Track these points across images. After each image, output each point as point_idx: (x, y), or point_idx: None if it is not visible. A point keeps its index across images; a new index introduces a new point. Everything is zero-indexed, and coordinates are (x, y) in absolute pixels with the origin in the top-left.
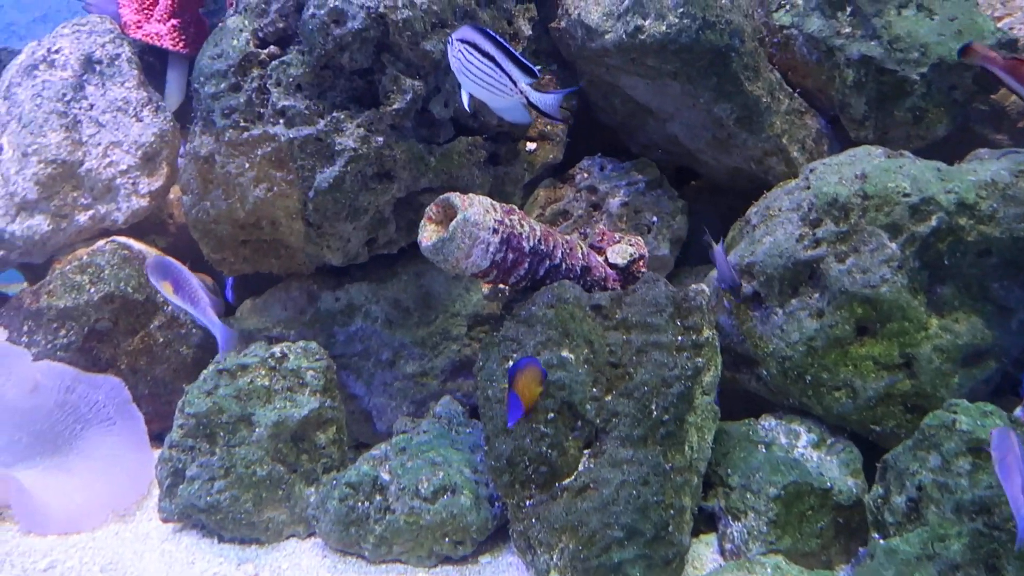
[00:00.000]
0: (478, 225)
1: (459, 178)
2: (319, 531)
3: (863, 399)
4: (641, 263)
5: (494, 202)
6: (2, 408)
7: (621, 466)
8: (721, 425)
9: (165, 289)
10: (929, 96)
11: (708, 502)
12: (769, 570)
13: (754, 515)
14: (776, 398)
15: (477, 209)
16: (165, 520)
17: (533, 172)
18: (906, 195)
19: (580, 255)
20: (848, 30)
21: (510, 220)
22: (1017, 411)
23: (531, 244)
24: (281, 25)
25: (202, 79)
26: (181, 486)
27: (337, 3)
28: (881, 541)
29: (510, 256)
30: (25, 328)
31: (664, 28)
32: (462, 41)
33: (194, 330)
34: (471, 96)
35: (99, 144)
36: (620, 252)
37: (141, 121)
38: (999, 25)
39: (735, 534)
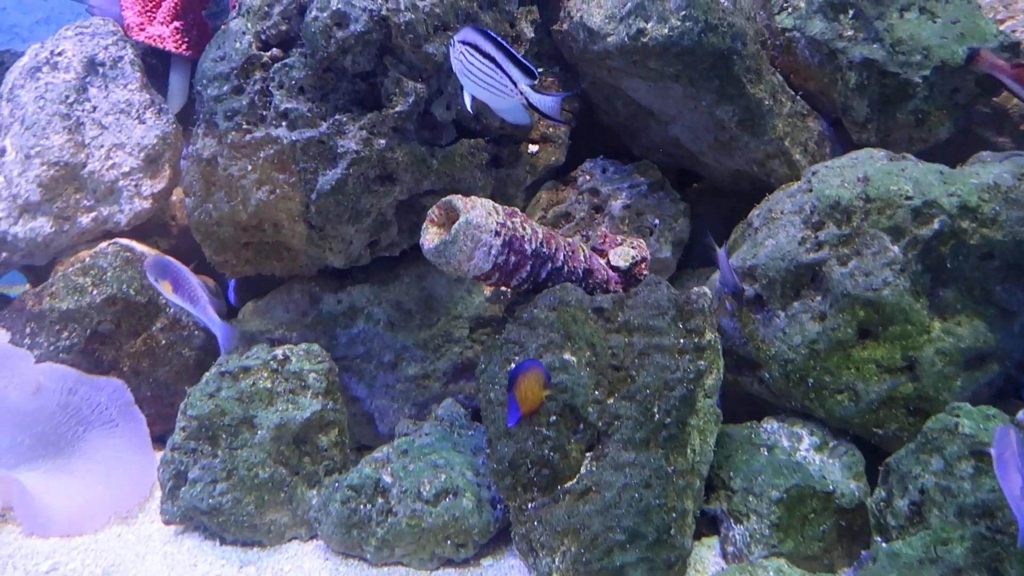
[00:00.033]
0: (480, 228)
1: (461, 180)
2: (321, 534)
3: (865, 402)
4: (643, 266)
5: (496, 204)
6: (4, 410)
7: (623, 469)
8: (723, 428)
9: (164, 288)
10: (931, 99)
11: (710, 505)
12: (771, 573)
13: (756, 518)
14: (778, 401)
15: (479, 212)
16: (167, 522)
17: (535, 174)
18: (908, 198)
19: (582, 258)
20: (850, 33)
21: (512, 223)
22: (1020, 414)
23: (533, 247)
24: (284, 28)
25: (205, 81)
26: (183, 488)
27: (340, 6)
28: (884, 544)
29: (512, 259)
30: (27, 330)
31: (666, 31)
32: (463, 43)
33: (196, 332)
34: (473, 97)
35: (102, 146)
36: (622, 255)
37: (144, 123)
38: (1001, 28)
39: (737, 537)
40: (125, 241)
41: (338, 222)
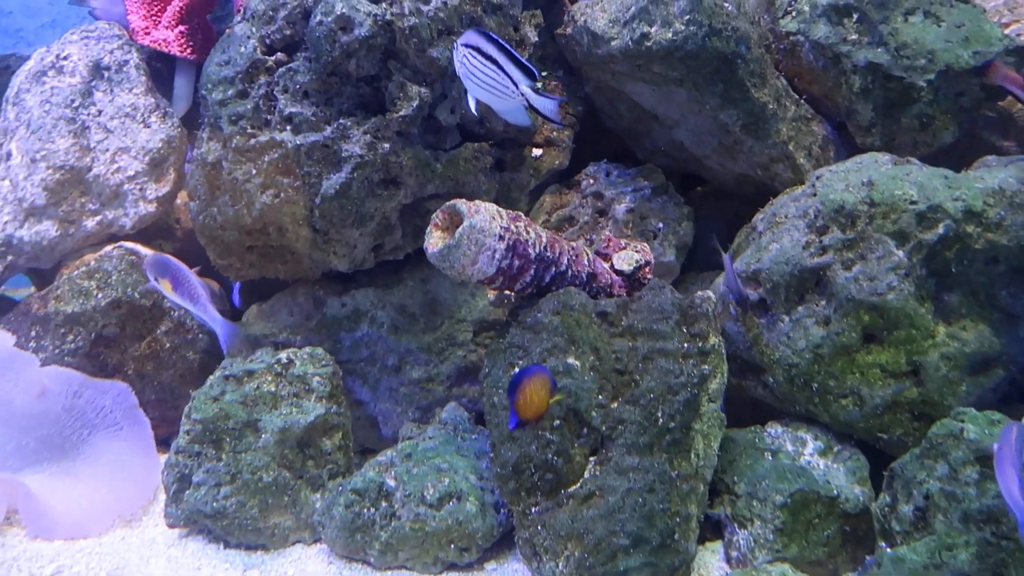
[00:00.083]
0: (484, 232)
1: (465, 184)
2: (325, 537)
3: (870, 407)
4: (647, 269)
5: (500, 209)
6: (10, 413)
7: (627, 473)
8: (727, 432)
9: (164, 287)
10: (936, 103)
11: (714, 509)
12: None
13: (760, 523)
14: (782, 405)
15: (483, 216)
16: (171, 526)
17: (539, 178)
18: (913, 202)
19: (586, 262)
20: (855, 37)
21: (516, 227)
22: None
23: (537, 251)
24: (288, 32)
25: (209, 85)
26: (187, 492)
27: (344, 10)
28: (888, 550)
29: (516, 263)
30: (33, 333)
31: (670, 35)
32: (466, 46)
33: (201, 336)
34: (477, 100)
35: (107, 150)
36: (626, 258)
37: (149, 127)
38: (1006, 31)
39: (741, 542)
40: (130, 245)
41: (342, 226)
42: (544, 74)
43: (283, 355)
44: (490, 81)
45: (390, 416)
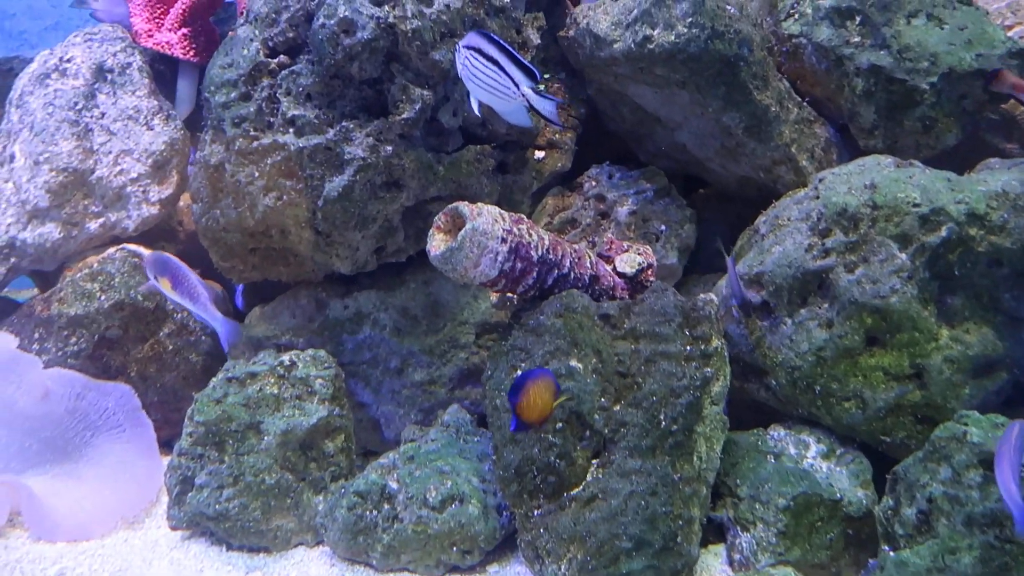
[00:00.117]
0: (486, 234)
1: (468, 187)
2: (327, 540)
3: (873, 410)
4: (649, 272)
5: (502, 211)
6: (13, 415)
7: (629, 476)
8: (730, 435)
9: (163, 285)
10: (939, 105)
11: (717, 512)
12: None
13: (763, 526)
14: (785, 408)
15: (486, 218)
16: (174, 528)
17: (541, 180)
18: (916, 205)
19: (588, 264)
20: (857, 39)
21: (518, 229)
22: None
23: (539, 253)
24: (291, 35)
25: (212, 88)
26: (190, 494)
27: (347, 13)
28: (891, 553)
29: (518, 265)
30: (36, 335)
31: (673, 38)
32: (468, 47)
33: (203, 338)
34: (480, 102)
35: (110, 152)
36: (628, 261)
37: (152, 129)
38: (1009, 34)
39: (744, 545)
40: (133, 247)
41: (345, 228)
42: (546, 76)
43: (286, 357)
44: (491, 82)
45: (392, 418)
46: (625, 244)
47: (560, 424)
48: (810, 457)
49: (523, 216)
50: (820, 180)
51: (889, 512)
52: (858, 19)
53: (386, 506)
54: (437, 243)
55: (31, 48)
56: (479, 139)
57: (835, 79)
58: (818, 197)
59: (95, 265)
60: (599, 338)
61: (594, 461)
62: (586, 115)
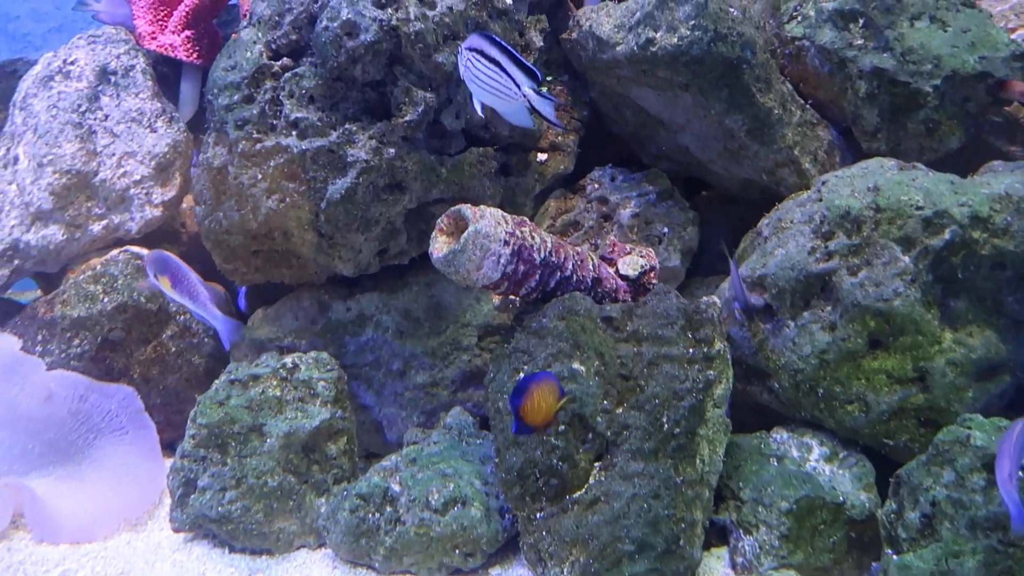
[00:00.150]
0: (489, 237)
1: (470, 189)
2: (329, 542)
3: (876, 413)
4: (652, 274)
5: (505, 214)
6: (16, 417)
7: (632, 479)
8: (732, 438)
9: (163, 284)
10: (942, 108)
11: (720, 515)
12: None
13: (766, 529)
14: (788, 411)
15: (488, 221)
16: (176, 530)
17: (544, 183)
18: (919, 208)
19: (591, 267)
20: (860, 42)
21: (521, 232)
22: None
23: (542, 256)
24: (294, 37)
25: (216, 90)
26: (193, 496)
27: (350, 16)
28: (894, 557)
29: (521, 268)
30: (39, 337)
31: (676, 40)
32: (470, 49)
33: (206, 340)
34: (483, 103)
35: (113, 155)
36: (631, 263)
37: (155, 132)
38: (1012, 37)
39: (747, 548)
40: (136, 249)
41: (347, 230)
42: (549, 78)
43: (288, 359)
44: (493, 83)
45: (395, 421)
46: (628, 247)
47: (563, 427)
48: (813, 460)
49: (526, 219)
50: (823, 183)
51: (892, 515)
52: (861, 21)
53: (388, 509)
54: (440, 245)
55: (35, 50)
56: (482, 141)
57: (838, 82)
58: (821, 200)
59: (98, 267)
60: (601, 341)
61: (596, 464)
62: (589, 117)
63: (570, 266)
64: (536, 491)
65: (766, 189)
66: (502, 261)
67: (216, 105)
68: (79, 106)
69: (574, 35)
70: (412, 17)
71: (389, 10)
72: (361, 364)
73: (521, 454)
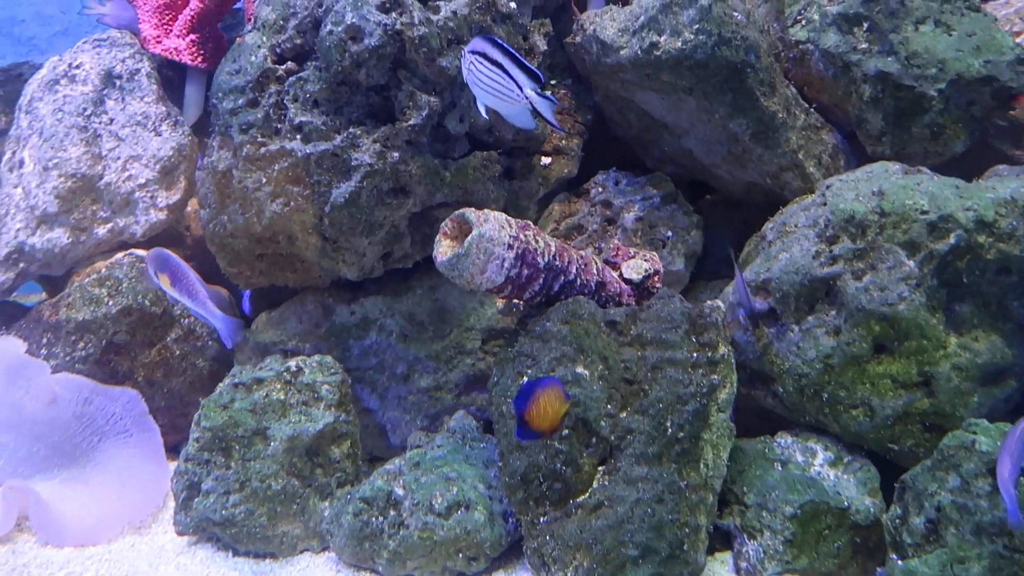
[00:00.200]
0: (493, 241)
1: (474, 193)
2: (333, 546)
3: (881, 417)
4: (656, 278)
5: (509, 218)
6: (21, 420)
7: (636, 484)
8: (737, 442)
9: (163, 282)
10: (947, 112)
11: (723, 520)
12: None
13: (770, 534)
14: (792, 415)
15: (492, 225)
16: (180, 533)
17: (548, 186)
18: (924, 212)
19: (595, 270)
20: (865, 46)
21: (525, 236)
22: None
23: (546, 260)
24: (299, 41)
25: (220, 94)
26: (196, 499)
27: (354, 20)
28: (899, 562)
29: (525, 272)
30: (44, 340)
31: (679, 44)
32: (473, 52)
33: (210, 343)
34: (486, 106)
35: (118, 158)
36: (635, 267)
37: (160, 135)
38: (1017, 40)
39: (751, 553)
40: (141, 252)
41: (351, 234)
42: (553, 82)
43: (292, 363)
44: (496, 86)
45: (398, 424)
46: (631, 250)
47: (567, 431)
48: (817, 465)
49: (529, 222)
50: (827, 187)
51: (897, 521)
52: (865, 25)
53: (392, 512)
54: (444, 249)
55: (40, 54)
56: (485, 145)
57: (842, 85)
58: (825, 204)
59: (103, 270)
60: (605, 345)
61: (600, 468)
62: (592, 121)
63: (574, 270)
64: (540, 495)
65: (770, 193)
66: (506, 265)
67: (220, 109)
68: (84, 110)
69: (578, 39)
70: (416, 21)
71: (393, 14)
72: (365, 368)
73: (525, 458)
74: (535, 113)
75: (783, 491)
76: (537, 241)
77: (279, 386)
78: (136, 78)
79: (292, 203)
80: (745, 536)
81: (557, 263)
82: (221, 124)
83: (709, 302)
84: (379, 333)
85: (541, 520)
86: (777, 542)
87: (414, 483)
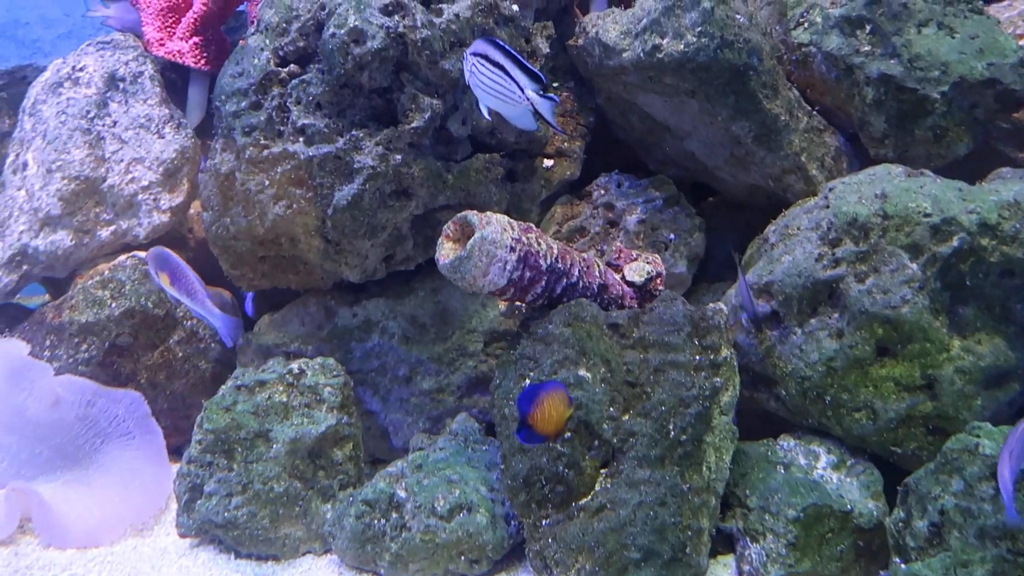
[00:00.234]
0: (495, 243)
1: (476, 195)
2: (335, 548)
3: (884, 421)
4: (658, 281)
5: (511, 220)
6: (24, 422)
7: (638, 486)
8: (739, 445)
9: (162, 280)
10: (950, 114)
11: (726, 523)
12: None
13: (773, 537)
14: (795, 418)
15: (494, 227)
16: (183, 535)
17: (550, 189)
18: (927, 215)
19: (597, 273)
20: (868, 48)
21: (527, 238)
22: None
23: (548, 262)
24: (301, 44)
25: (223, 97)
26: (199, 501)
27: (357, 23)
28: (903, 566)
29: (527, 274)
30: (47, 342)
31: (682, 47)
32: (475, 54)
33: (213, 345)
34: (489, 107)
35: (121, 160)
36: (637, 270)
37: (163, 138)
38: (1021, 43)
39: (753, 556)
40: (144, 254)
41: (354, 237)
42: (555, 84)
43: (294, 365)
44: (497, 87)
45: (400, 426)
46: (634, 253)
47: (569, 434)
48: (820, 468)
49: (532, 225)
50: (830, 189)
51: (900, 524)
52: (868, 28)
53: (394, 515)
54: (446, 252)
55: (44, 56)
56: (488, 147)
57: (845, 88)
58: (828, 206)
59: (106, 272)
60: (608, 347)
61: (603, 471)
62: (595, 124)
63: (576, 272)
64: (542, 498)
65: (773, 195)
66: (508, 267)
67: (223, 111)
68: (88, 112)
69: (580, 41)
70: (419, 24)
71: (396, 17)
72: (367, 370)
73: (527, 461)
74: (536, 114)
75: (786, 494)
76: (539, 243)
77: (281, 388)
78: (139, 81)
79: (295, 205)
80: (748, 539)
81: (559, 265)
82: (224, 126)
83: (712, 305)
84: (381, 335)
85: (543, 523)
86: (780, 545)
87: (416, 485)
